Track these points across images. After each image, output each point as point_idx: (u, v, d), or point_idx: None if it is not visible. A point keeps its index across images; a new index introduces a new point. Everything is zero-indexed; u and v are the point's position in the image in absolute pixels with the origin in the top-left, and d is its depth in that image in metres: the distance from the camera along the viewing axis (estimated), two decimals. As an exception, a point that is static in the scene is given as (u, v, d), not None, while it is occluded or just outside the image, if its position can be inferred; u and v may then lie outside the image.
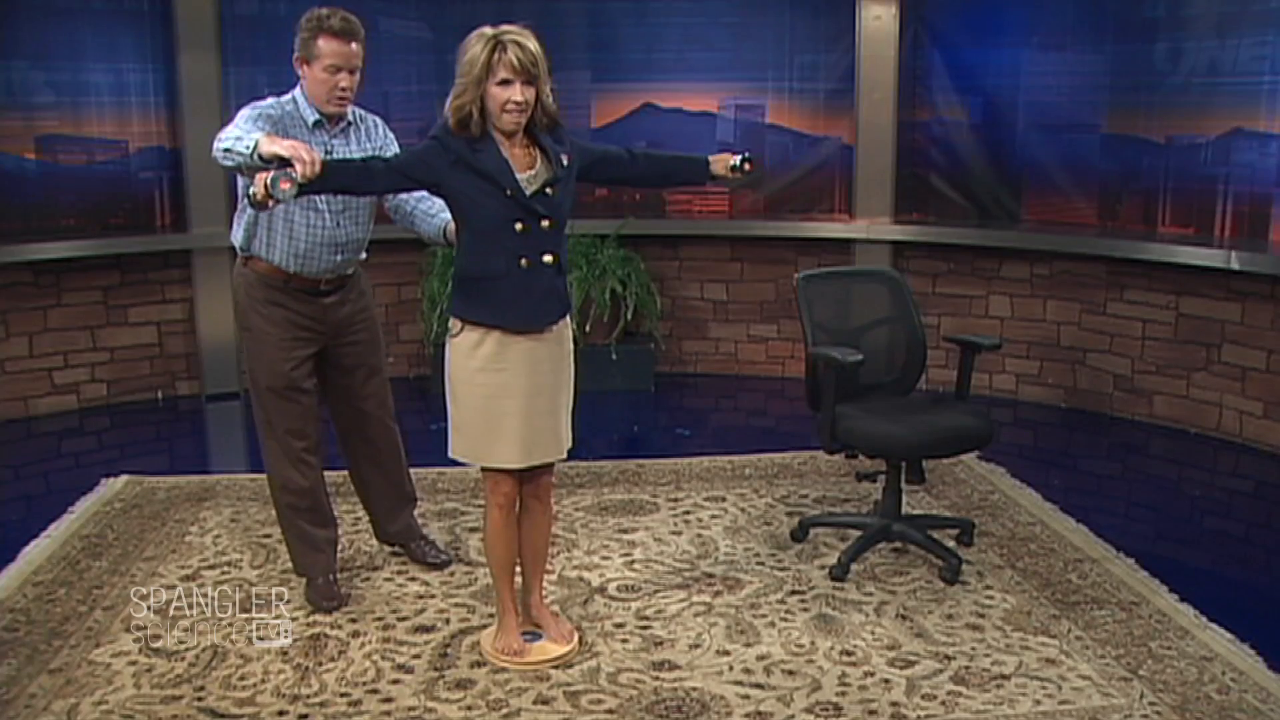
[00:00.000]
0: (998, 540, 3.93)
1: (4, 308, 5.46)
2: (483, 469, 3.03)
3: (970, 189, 6.16)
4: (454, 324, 2.93)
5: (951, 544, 3.78)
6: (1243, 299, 5.07)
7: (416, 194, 3.33)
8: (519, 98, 2.77)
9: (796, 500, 4.31)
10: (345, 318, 3.41)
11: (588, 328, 5.84)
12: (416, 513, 3.89)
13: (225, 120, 3.14)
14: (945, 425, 3.60)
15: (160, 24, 5.73)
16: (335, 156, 3.22)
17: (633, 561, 3.75)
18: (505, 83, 2.76)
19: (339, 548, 3.59)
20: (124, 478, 4.52)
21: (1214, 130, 5.23)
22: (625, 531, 4.00)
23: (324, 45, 3.16)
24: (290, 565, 3.67)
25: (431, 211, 3.35)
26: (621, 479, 4.52)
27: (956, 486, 4.46)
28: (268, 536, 3.91)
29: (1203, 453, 5.12)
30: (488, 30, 2.79)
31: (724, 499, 4.32)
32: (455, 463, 4.56)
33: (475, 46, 2.77)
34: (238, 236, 3.32)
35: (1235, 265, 4.91)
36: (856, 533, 3.76)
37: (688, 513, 4.19)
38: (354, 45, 3.18)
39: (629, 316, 5.99)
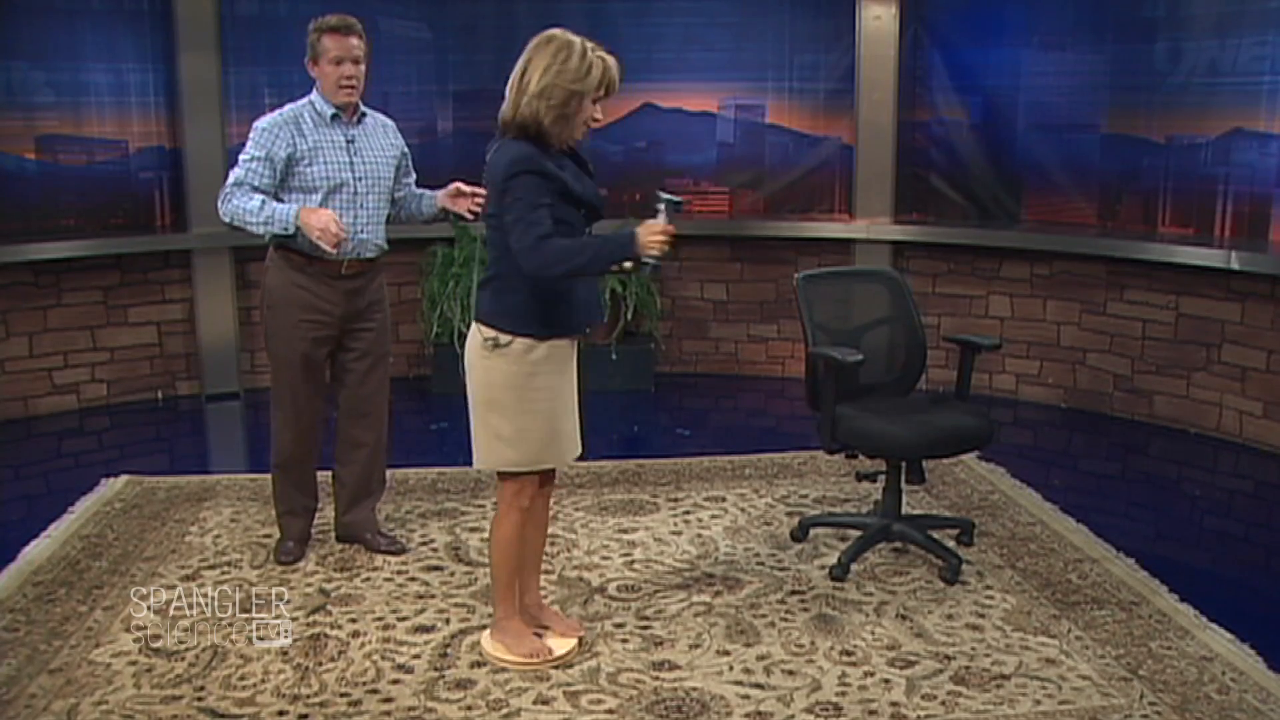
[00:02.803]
0: (998, 540, 3.93)
1: (4, 308, 5.46)
2: (509, 475, 2.97)
3: (970, 189, 6.16)
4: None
5: (951, 544, 3.78)
6: (1243, 299, 5.07)
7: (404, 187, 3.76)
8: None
9: (796, 500, 4.31)
10: (364, 306, 3.66)
11: (589, 328, 5.83)
12: (412, 510, 3.97)
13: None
14: (945, 425, 3.60)
15: (160, 24, 5.74)
16: (356, 145, 3.56)
17: (633, 561, 3.75)
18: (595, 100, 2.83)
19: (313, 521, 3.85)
20: (124, 478, 4.52)
21: (1214, 130, 5.23)
22: (625, 531, 4.00)
23: (326, 41, 3.47)
24: (293, 565, 3.69)
25: (417, 193, 3.79)
26: (621, 479, 4.52)
27: (956, 486, 4.46)
28: (268, 536, 3.91)
29: (1203, 453, 5.12)
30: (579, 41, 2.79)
31: (724, 499, 4.32)
32: (454, 462, 4.61)
33: (578, 58, 2.74)
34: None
35: (1235, 265, 4.91)
36: (856, 533, 3.76)
37: (688, 513, 4.19)
38: (353, 39, 3.49)
39: (629, 316, 5.99)
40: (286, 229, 3.37)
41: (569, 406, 2.98)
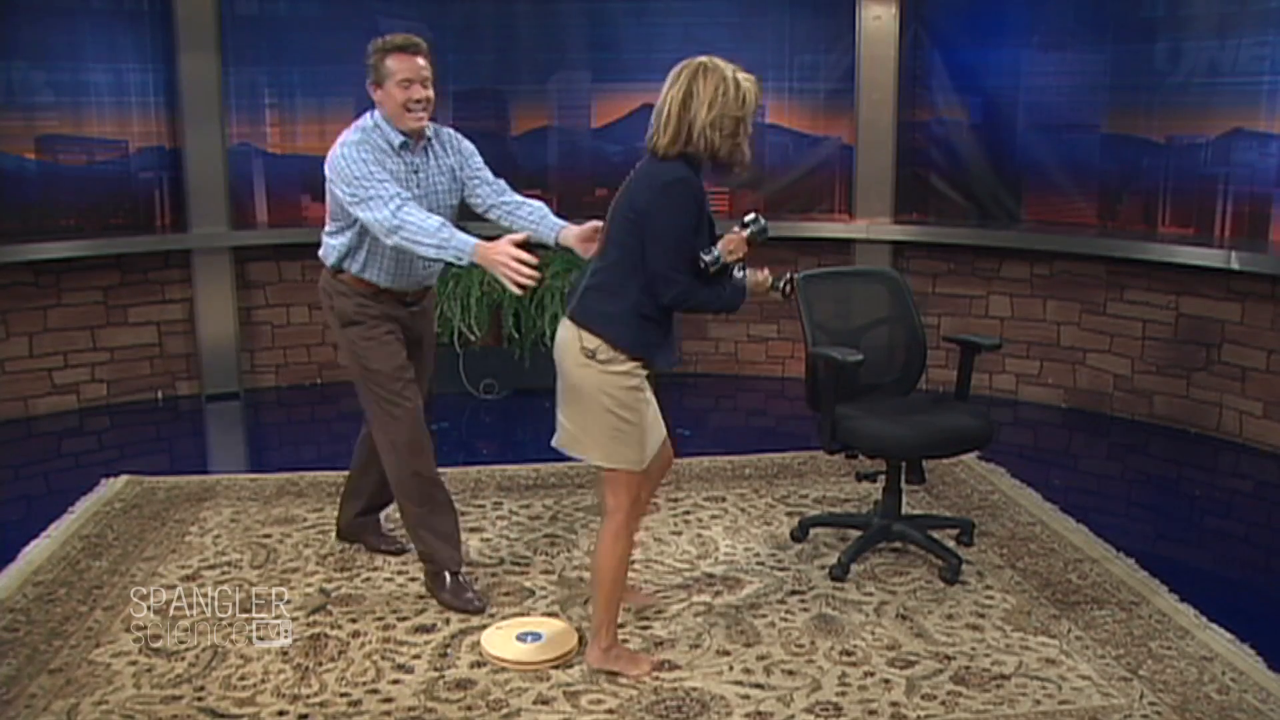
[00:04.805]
0: (998, 540, 3.93)
1: (4, 308, 5.46)
2: (628, 473, 2.96)
3: (970, 189, 6.16)
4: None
5: (951, 544, 3.78)
6: (1243, 299, 5.07)
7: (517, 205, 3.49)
8: None
9: (796, 500, 4.31)
10: (423, 327, 3.58)
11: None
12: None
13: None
14: (945, 425, 3.60)
15: (160, 24, 5.73)
16: (420, 175, 3.35)
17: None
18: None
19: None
20: (124, 478, 4.52)
21: (1214, 130, 5.23)
22: (625, 531, 3.99)
23: (392, 63, 3.25)
24: (293, 565, 3.70)
25: (518, 202, 3.50)
26: (621, 479, 4.51)
27: (956, 486, 4.46)
28: (268, 536, 3.91)
29: (1203, 453, 5.12)
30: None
31: (724, 499, 4.32)
32: (454, 462, 4.61)
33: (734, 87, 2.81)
34: (330, 257, 3.40)
35: (1235, 265, 4.91)
36: (856, 533, 3.76)
37: (688, 513, 4.18)
38: (420, 59, 3.27)
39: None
40: (459, 259, 3.09)
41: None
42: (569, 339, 2.90)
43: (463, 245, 3.08)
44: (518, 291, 3.04)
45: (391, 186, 3.17)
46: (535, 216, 3.46)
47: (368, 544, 3.80)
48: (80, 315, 5.69)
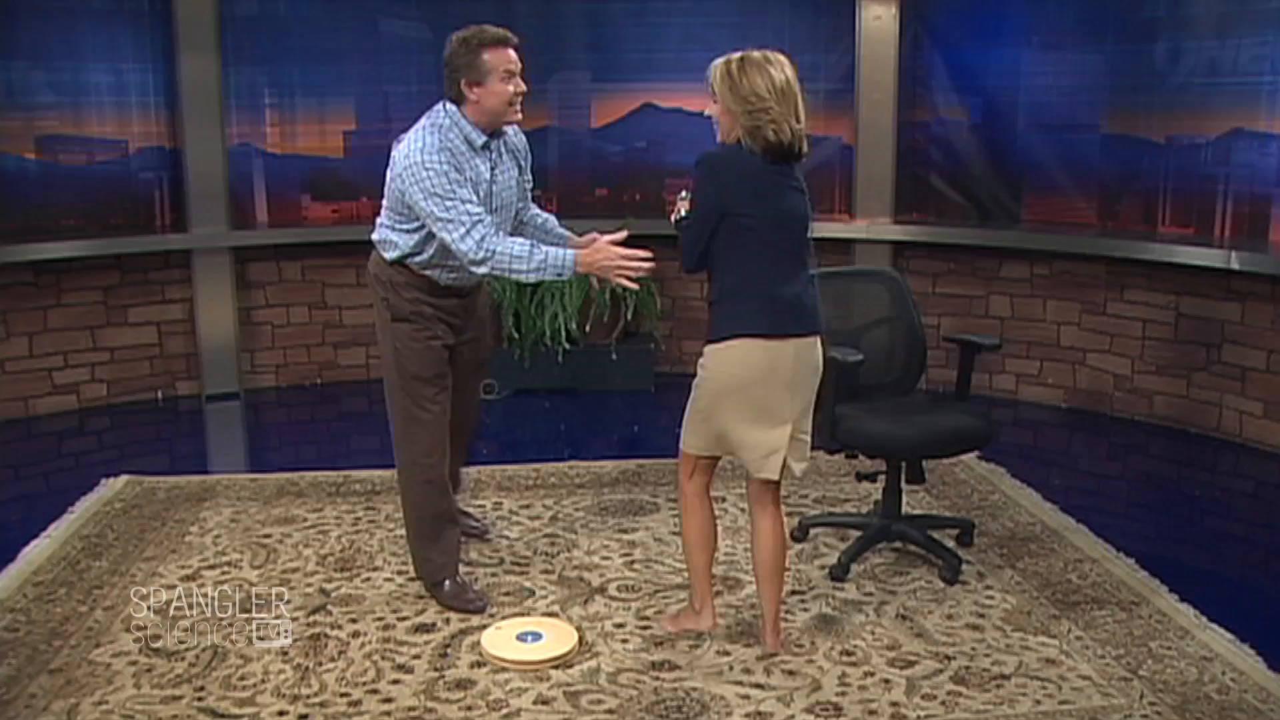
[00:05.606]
0: (998, 540, 3.93)
1: (4, 308, 5.46)
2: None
3: (970, 189, 6.15)
4: None
5: (951, 544, 3.78)
6: (1243, 299, 5.07)
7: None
8: None
9: (796, 500, 4.30)
10: (476, 317, 3.53)
11: (588, 328, 5.85)
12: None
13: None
14: (945, 425, 3.60)
15: (160, 24, 5.73)
16: (497, 172, 3.27)
17: (633, 561, 3.75)
18: None
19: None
20: (124, 478, 4.52)
21: (1214, 130, 5.23)
22: (625, 531, 4.00)
23: (491, 58, 3.12)
24: (293, 565, 3.69)
25: (550, 226, 3.55)
26: (621, 479, 4.52)
27: (956, 486, 4.46)
28: (268, 536, 3.91)
29: (1203, 453, 5.12)
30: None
31: (724, 499, 4.31)
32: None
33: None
34: (391, 251, 3.28)
35: (1235, 265, 4.91)
36: (856, 533, 3.77)
37: (688, 513, 4.18)
38: (513, 50, 3.17)
39: (629, 316, 5.99)
40: (561, 274, 3.10)
41: None
42: (818, 353, 3.05)
43: (559, 261, 3.08)
44: (634, 287, 3.16)
45: (472, 207, 3.08)
46: (547, 227, 3.52)
47: (466, 530, 3.79)
48: (80, 315, 5.69)
